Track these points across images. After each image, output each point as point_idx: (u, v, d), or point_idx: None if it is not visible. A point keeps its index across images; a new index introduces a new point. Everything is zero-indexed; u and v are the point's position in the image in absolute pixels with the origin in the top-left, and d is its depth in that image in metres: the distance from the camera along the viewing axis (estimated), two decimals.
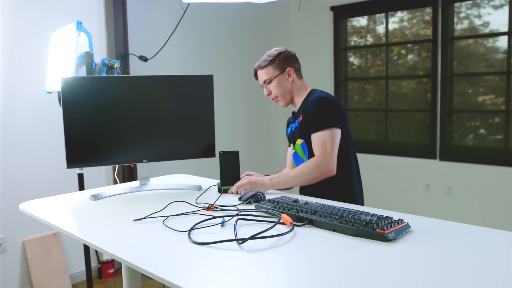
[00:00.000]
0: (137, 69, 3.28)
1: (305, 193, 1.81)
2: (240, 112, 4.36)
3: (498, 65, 3.80)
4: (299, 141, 1.86)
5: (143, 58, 3.17)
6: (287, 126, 2.05)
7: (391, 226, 1.17)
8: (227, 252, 1.11)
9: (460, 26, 3.96)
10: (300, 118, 1.84)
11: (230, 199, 1.64)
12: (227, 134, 4.15)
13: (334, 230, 1.23)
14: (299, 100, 1.93)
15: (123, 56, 3.17)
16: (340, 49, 4.59)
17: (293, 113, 1.99)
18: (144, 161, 1.79)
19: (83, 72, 2.04)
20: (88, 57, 2.01)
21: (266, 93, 1.93)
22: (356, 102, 4.69)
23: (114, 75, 2.07)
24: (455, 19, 3.92)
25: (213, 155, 1.87)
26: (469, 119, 3.99)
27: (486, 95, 3.90)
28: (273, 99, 1.93)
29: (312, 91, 1.91)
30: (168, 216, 1.41)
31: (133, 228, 1.33)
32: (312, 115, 1.78)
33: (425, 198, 4.06)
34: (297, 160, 1.90)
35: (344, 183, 1.82)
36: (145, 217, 1.40)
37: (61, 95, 1.64)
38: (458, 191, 3.87)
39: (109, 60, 2.11)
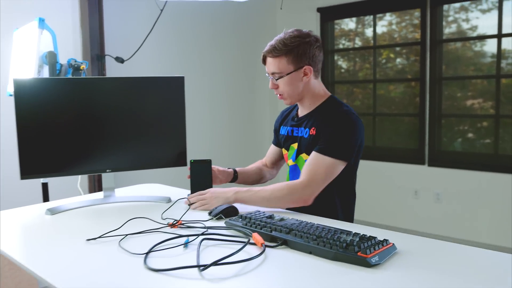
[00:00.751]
0: (113, 71, 3.10)
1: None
2: (225, 112, 4.20)
3: (486, 69, 3.71)
4: (305, 157, 1.58)
5: (120, 60, 3.00)
6: (281, 122, 1.74)
7: (374, 249, 1.02)
8: (185, 281, 0.96)
9: (448, 30, 3.86)
10: (313, 132, 1.54)
11: (199, 214, 1.47)
12: (211, 136, 3.99)
13: (310, 253, 1.08)
14: (310, 105, 1.60)
15: (99, 57, 3.00)
16: (327, 51, 4.46)
17: (296, 115, 1.66)
18: (107, 170, 1.62)
19: (46, 73, 1.87)
20: (51, 57, 1.85)
21: (271, 86, 1.58)
22: None
23: (74, 77, 1.90)
24: (444, 23, 3.82)
25: (185, 164, 1.71)
26: (457, 123, 3.88)
27: (474, 99, 3.80)
28: (277, 94, 1.60)
29: (333, 101, 1.58)
30: (127, 235, 1.25)
31: (85, 249, 1.17)
32: (327, 133, 1.48)
33: (414, 204, 3.93)
34: (295, 175, 1.63)
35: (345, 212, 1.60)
36: (99, 237, 1.23)
37: (14, 99, 1.47)
38: (447, 198, 3.75)
39: (75, 61, 1.94)
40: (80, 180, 2.05)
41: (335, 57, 4.54)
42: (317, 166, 1.46)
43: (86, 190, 3.00)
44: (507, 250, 3.37)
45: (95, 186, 2.47)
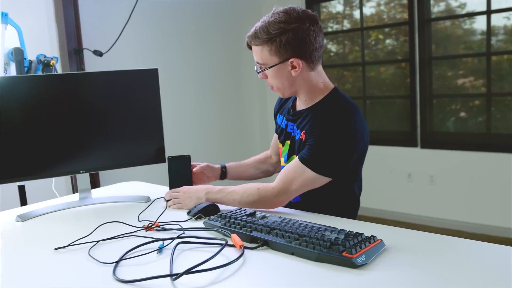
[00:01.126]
0: (93, 65, 2.99)
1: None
2: (211, 106, 4.08)
3: (476, 47, 3.63)
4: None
5: (98, 53, 2.89)
6: (278, 109, 1.57)
7: (360, 247, 0.94)
8: None
9: (437, 8, 3.76)
10: (303, 136, 1.35)
11: (178, 213, 1.39)
12: (197, 131, 3.89)
13: (293, 254, 1.00)
14: (306, 101, 1.38)
15: (77, 51, 2.89)
16: None
17: (293, 107, 1.47)
18: (81, 171, 1.53)
19: (13, 71, 1.77)
20: (17, 54, 1.74)
21: (260, 76, 1.37)
22: None
23: (42, 74, 1.79)
24: (432, 2, 3.72)
25: (163, 161, 1.62)
26: (449, 103, 3.81)
27: (465, 78, 3.72)
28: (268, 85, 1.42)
29: (333, 99, 1.34)
30: (98, 241, 1.16)
31: (52, 259, 1.08)
32: (313, 142, 1.27)
33: (408, 188, 3.87)
34: None
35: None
36: (68, 245, 1.14)
37: None
38: (441, 180, 3.69)
39: (45, 57, 1.83)
40: (54, 182, 1.96)
41: (324, 41, 4.43)
42: (294, 175, 1.29)
43: (70, 189, 2.90)
44: (503, 230, 3.32)
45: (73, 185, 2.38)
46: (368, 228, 1.15)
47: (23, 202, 1.95)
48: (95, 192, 1.73)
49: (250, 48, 1.36)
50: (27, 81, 1.47)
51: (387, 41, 4.20)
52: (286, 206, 1.40)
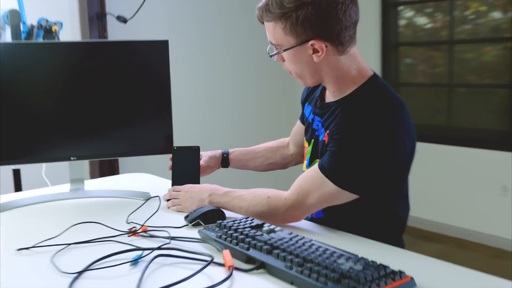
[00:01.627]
0: (116, 32, 3.04)
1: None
2: (252, 85, 3.99)
3: None
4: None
5: (122, 19, 2.93)
6: (306, 97, 1.47)
7: (378, 285, 0.85)
8: None
9: None
10: (326, 138, 1.26)
11: (174, 217, 1.36)
12: (236, 116, 3.86)
13: (292, 284, 0.92)
14: (334, 92, 1.27)
15: (99, 16, 2.95)
16: (389, 4, 4.17)
17: (321, 97, 1.37)
18: (72, 158, 1.54)
19: (9, 36, 1.81)
20: (13, 17, 1.78)
21: (275, 59, 1.29)
22: (423, 74, 4.29)
23: (38, 41, 1.82)
24: None
25: (170, 151, 1.59)
26: None
27: None
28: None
29: (368, 91, 1.22)
30: (69, 244, 1.15)
31: (11, 262, 1.09)
32: (336, 149, 1.17)
33: (501, 204, 3.60)
34: None
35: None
36: (33, 246, 1.15)
37: None
38: None
39: (47, 21, 1.86)
40: (45, 169, 2.00)
41: (410, 12, 4.24)
42: (312, 187, 1.20)
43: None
44: None
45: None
46: (405, 259, 1.04)
47: (18, 187, 2.02)
48: (91, 184, 1.75)
49: (262, 22, 1.26)
50: (18, 48, 1.50)
51: (492, 13, 3.93)
52: (306, 220, 1.32)
